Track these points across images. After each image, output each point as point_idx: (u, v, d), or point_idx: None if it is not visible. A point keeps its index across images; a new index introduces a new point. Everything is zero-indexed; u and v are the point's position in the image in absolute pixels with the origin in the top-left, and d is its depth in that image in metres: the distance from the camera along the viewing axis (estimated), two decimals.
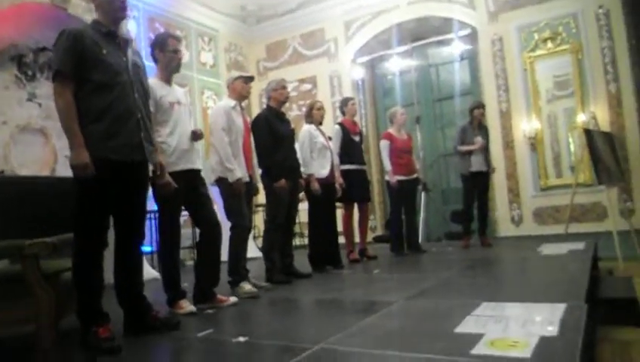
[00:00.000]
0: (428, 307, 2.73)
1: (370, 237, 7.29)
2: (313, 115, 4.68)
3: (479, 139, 5.59)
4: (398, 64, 8.25)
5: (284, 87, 4.23)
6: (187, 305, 2.92)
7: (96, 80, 2.30)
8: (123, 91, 2.36)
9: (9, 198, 3.10)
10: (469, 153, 5.59)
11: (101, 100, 2.30)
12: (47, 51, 6.82)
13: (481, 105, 5.84)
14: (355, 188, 4.96)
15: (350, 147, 5.02)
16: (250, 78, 3.86)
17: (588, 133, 5.69)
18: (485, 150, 5.70)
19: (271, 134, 4.00)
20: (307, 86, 8.71)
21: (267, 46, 9.13)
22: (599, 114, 6.65)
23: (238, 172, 3.49)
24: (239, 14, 8.83)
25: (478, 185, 5.64)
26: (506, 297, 2.69)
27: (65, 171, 6.78)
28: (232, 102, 3.67)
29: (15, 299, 2.19)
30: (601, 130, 6.33)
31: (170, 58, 3.04)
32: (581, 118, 6.71)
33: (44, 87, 6.84)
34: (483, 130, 5.77)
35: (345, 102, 5.32)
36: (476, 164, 5.59)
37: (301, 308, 3.24)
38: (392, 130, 5.48)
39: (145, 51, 7.22)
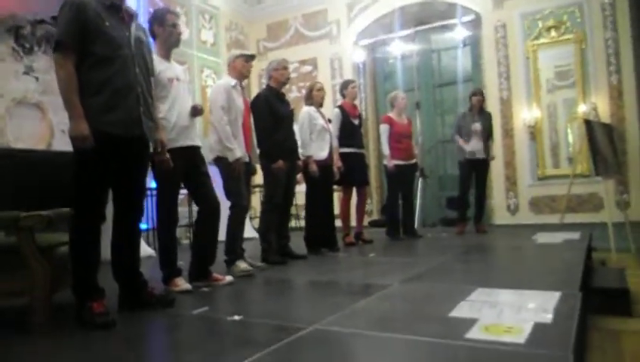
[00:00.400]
0: (423, 291, 2.74)
1: (366, 221, 7.32)
2: (313, 97, 4.65)
3: (477, 126, 5.58)
4: (399, 48, 8.18)
5: (286, 68, 4.19)
6: (182, 283, 2.93)
7: (98, 52, 2.27)
8: (124, 65, 2.33)
9: (5, 170, 3.08)
10: (468, 139, 5.59)
11: (101, 73, 2.27)
12: (45, 24, 6.72)
13: (478, 92, 5.82)
14: (354, 171, 4.95)
15: (350, 130, 4.99)
16: (252, 57, 3.81)
17: (588, 123, 5.68)
18: (486, 137, 5.68)
19: (270, 114, 3.97)
20: (308, 68, 8.64)
21: (268, 25, 9.04)
22: (600, 105, 6.63)
23: (238, 151, 3.47)
24: None
25: (475, 172, 5.64)
26: (501, 284, 2.70)
27: (61, 146, 6.77)
28: (233, 81, 3.63)
29: (10, 270, 2.18)
30: (601, 122, 6.31)
31: (169, 33, 3.01)
32: (582, 108, 6.69)
33: (42, 61, 6.76)
34: (484, 116, 5.75)
35: (345, 85, 5.27)
36: (471, 150, 5.59)
37: (296, 288, 3.25)
38: (392, 114, 5.46)
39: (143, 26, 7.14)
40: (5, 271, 2.17)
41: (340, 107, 5.10)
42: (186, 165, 2.97)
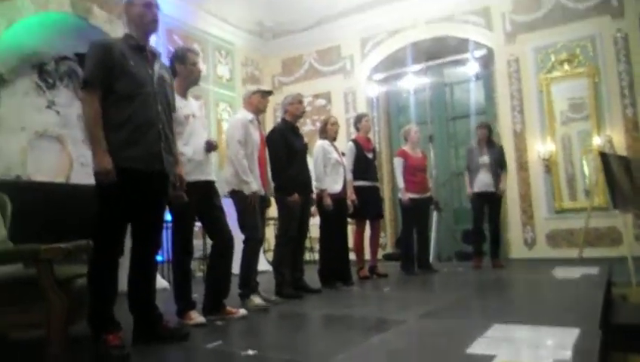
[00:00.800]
0: (439, 327, 2.70)
1: (380, 254, 7.27)
2: (327, 131, 4.71)
3: (485, 159, 5.61)
4: (412, 82, 8.27)
5: (301, 102, 4.26)
6: (197, 316, 2.92)
7: (121, 90, 2.35)
8: (146, 102, 2.41)
9: (25, 203, 3.14)
10: (476, 172, 5.61)
11: (123, 110, 2.35)
12: (68, 60, 6.96)
13: (483, 125, 5.86)
14: (368, 204, 4.96)
15: (363, 164, 5.02)
16: (269, 93, 3.89)
17: (604, 156, 5.64)
18: (495, 170, 5.66)
19: (285, 148, 4.03)
20: (322, 101, 8.75)
21: (283, 61, 9.22)
22: (615, 138, 6.59)
23: (254, 185, 3.51)
24: (256, 29, 8.94)
25: (486, 205, 5.61)
26: (518, 319, 2.65)
27: (80, 178, 6.89)
28: (250, 116, 3.70)
29: (28, 302, 2.20)
30: (617, 154, 6.26)
31: (190, 71, 3.11)
32: (596, 141, 6.66)
33: (64, 96, 6.97)
34: (493, 149, 5.75)
35: (359, 118, 5.32)
36: (480, 184, 5.59)
37: (310, 323, 3.22)
38: (406, 148, 5.49)
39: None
40: (23, 302, 2.19)
41: (354, 140, 5.14)
42: (201, 199, 3.01)
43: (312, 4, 8.41)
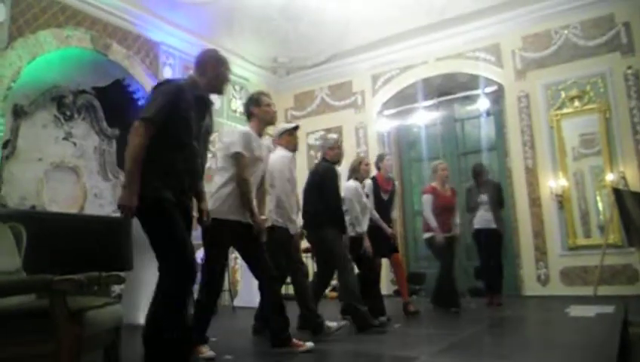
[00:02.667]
0: None
1: (391, 289, 7.19)
2: (361, 171, 4.73)
3: (483, 197, 5.69)
4: (423, 117, 8.33)
5: (340, 147, 4.37)
6: (207, 350, 2.91)
7: (174, 137, 2.42)
8: (192, 154, 2.49)
9: (40, 233, 3.18)
10: (475, 210, 5.69)
11: (171, 157, 2.41)
12: (85, 94, 7.14)
13: (477, 167, 5.98)
14: (379, 243, 4.87)
15: (377, 204, 4.96)
16: (295, 128, 3.96)
17: (617, 192, 5.60)
18: (495, 207, 5.71)
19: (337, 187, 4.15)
20: (333, 135, 8.81)
21: (295, 95, 9.37)
22: (628, 174, 6.54)
23: (297, 223, 3.61)
24: (270, 65, 9.12)
25: (487, 242, 5.61)
26: (533, 359, 2.59)
27: (93, 209, 6.97)
28: (290, 154, 3.78)
29: (40, 334, 2.20)
30: (631, 191, 6.21)
31: (265, 112, 3.33)
32: (609, 177, 6.61)
33: (81, 128, 7.13)
34: (489, 187, 5.79)
35: (381, 158, 5.29)
36: (481, 220, 5.66)
37: (321, 358, 3.17)
38: (435, 184, 5.42)
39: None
40: (35, 334, 2.20)
41: (374, 179, 5.07)
42: (239, 238, 3.07)
43: (325, 42, 8.59)
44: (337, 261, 4.03)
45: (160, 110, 2.38)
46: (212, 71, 2.70)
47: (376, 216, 4.81)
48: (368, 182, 5.00)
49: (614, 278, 6.38)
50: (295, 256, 3.69)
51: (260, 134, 3.30)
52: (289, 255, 3.61)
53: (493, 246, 5.67)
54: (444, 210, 5.29)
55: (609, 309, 4.63)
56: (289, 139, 3.84)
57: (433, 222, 5.18)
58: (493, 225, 5.64)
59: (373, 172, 5.33)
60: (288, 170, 3.66)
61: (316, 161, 4.43)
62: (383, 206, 5.01)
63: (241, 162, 3.06)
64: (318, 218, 4.01)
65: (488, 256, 5.65)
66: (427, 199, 5.32)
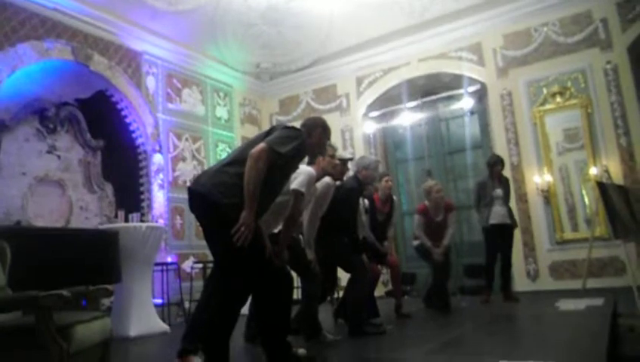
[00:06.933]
0: None
1: (382, 290, 7.20)
2: (378, 188, 4.74)
3: (499, 192, 5.60)
4: (408, 118, 8.38)
5: (376, 169, 4.43)
6: (198, 360, 2.86)
7: (270, 182, 2.56)
8: (269, 196, 2.67)
9: (25, 249, 3.14)
10: (490, 205, 5.55)
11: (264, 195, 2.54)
12: (68, 105, 7.07)
13: (499, 162, 5.78)
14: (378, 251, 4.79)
15: (372, 223, 4.80)
16: (350, 159, 3.99)
17: (601, 186, 5.66)
18: (507, 203, 5.68)
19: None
20: (374, 158, 8.73)
21: (280, 100, 9.37)
22: (612, 167, 6.63)
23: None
24: (253, 71, 9.11)
25: (500, 238, 5.56)
26: (524, 355, 2.61)
27: (79, 222, 6.89)
28: (332, 182, 3.74)
29: (26, 351, 2.17)
30: (615, 184, 6.28)
31: (333, 166, 3.61)
32: (593, 171, 6.69)
33: (64, 140, 7.05)
34: (503, 183, 5.76)
35: (380, 177, 4.91)
36: (497, 216, 5.55)
37: None
38: (428, 205, 5.23)
39: (162, 106, 7.47)
40: (22, 350, 2.16)
41: (371, 199, 4.85)
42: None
43: (308, 46, 8.61)
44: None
45: (289, 150, 2.58)
46: (317, 138, 2.96)
47: (372, 237, 4.66)
48: (365, 202, 4.78)
49: (602, 271, 6.46)
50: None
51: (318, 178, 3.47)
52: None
53: (508, 242, 5.63)
54: (433, 232, 5.16)
55: (598, 302, 4.67)
56: (342, 169, 3.80)
57: (427, 242, 5.10)
58: (508, 220, 5.60)
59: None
60: (327, 200, 3.69)
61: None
62: (376, 225, 4.84)
63: (299, 201, 3.15)
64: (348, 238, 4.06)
65: (501, 253, 5.59)
66: (418, 220, 5.22)
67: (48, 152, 6.83)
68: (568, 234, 6.87)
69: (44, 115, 6.82)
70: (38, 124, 6.78)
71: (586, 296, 5.29)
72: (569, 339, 3.18)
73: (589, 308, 4.39)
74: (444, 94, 8.08)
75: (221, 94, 8.62)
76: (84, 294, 2.33)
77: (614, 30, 6.77)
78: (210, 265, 5.14)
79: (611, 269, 6.44)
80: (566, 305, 4.74)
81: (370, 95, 8.53)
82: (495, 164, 5.74)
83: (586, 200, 6.85)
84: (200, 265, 6.37)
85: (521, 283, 7.00)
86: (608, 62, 6.77)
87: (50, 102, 6.83)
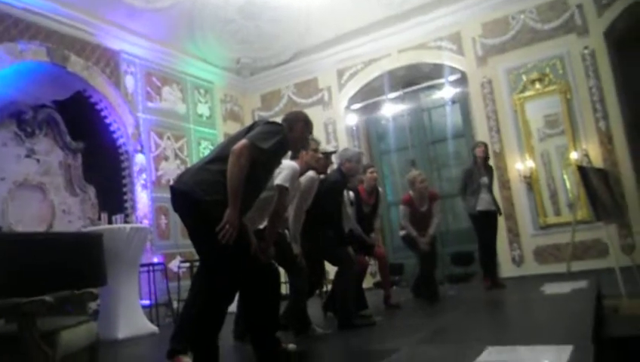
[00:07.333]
0: (433, 353, 2.68)
1: (371, 282, 7.22)
2: (363, 180, 4.72)
3: (485, 180, 5.63)
4: (391, 109, 8.40)
5: (359, 162, 4.37)
6: (188, 360, 2.85)
7: (253, 177, 2.52)
8: (253, 192, 2.65)
9: (6, 256, 3.08)
10: (477, 192, 5.59)
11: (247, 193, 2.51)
12: (46, 108, 6.95)
13: (481, 143, 5.85)
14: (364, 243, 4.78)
15: (358, 215, 4.79)
16: (332, 153, 4.05)
17: (582, 170, 5.74)
18: (491, 190, 5.72)
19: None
20: (357, 150, 8.70)
21: (262, 96, 9.31)
22: (591, 151, 6.73)
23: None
24: (234, 67, 9.05)
25: (487, 224, 5.62)
26: (512, 339, 2.64)
27: (62, 226, 6.79)
28: (317, 176, 3.73)
29: (10, 358, 2.14)
30: (595, 167, 6.38)
31: (316, 159, 3.62)
32: (574, 155, 6.78)
33: (43, 143, 6.93)
34: (488, 170, 5.80)
35: (364, 169, 4.90)
36: (483, 203, 5.59)
37: (302, 355, 3.16)
38: (412, 195, 5.23)
39: (142, 105, 7.38)
40: (7, 358, 2.13)
41: (356, 191, 4.83)
42: None
43: (287, 39, 8.56)
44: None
45: (270, 146, 2.54)
46: (299, 132, 2.93)
47: (359, 229, 4.66)
48: (351, 194, 4.77)
49: (585, 253, 6.56)
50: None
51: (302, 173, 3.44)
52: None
53: (494, 228, 5.70)
54: (419, 222, 5.17)
55: (583, 284, 4.74)
56: (325, 162, 3.81)
57: (413, 232, 5.11)
58: (493, 207, 5.66)
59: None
60: (311, 193, 3.66)
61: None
62: (364, 217, 4.85)
63: (284, 196, 3.12)
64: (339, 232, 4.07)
65: (489, 238, 5.66)
66: (403, 210, 5.22)
67: (27, 156, 6.71)
68: (551, 219, 6.97)
69: (21, 119, 6.69)
70: (16, 128, 6.65)
71: (571, 279, 5.36)
72: (555, 322, 3.22)
73: (574, 290, 4.46)
74: (425, 84, 8.12)
75: (202, 91, 8.54)
76: (68, 299, 2.29)
77: (590, 15, 6.84)
78: (198, 263, 5.11)
79: (594, 251, 6.55)
80: (551, 288, 4.80)
81: (352, 87, 8.52)
82: (476, 146, 5.81)
83: (568, 184, 6.94)
84: (187, 264, 6.33)
85: (506, 268, 7.08)
86: (585, 48, 6.85)
87: (27, 105, 6.70)
